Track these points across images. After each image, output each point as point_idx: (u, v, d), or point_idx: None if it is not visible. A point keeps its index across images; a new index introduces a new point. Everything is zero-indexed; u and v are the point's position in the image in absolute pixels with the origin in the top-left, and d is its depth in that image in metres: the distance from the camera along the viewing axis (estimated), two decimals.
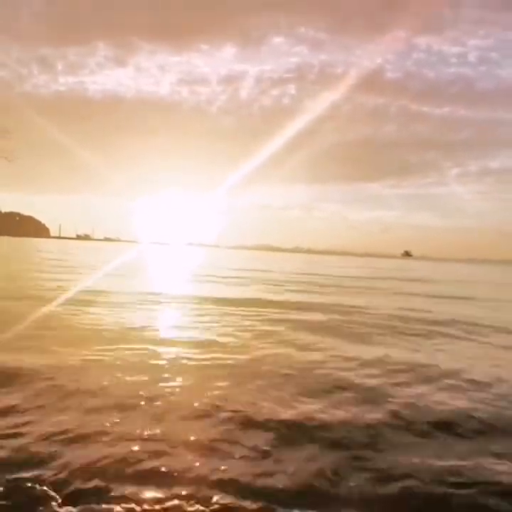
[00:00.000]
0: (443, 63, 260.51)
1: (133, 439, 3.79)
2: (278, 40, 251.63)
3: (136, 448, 3.66)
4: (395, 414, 4.61)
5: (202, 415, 4.35)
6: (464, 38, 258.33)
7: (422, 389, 5.53)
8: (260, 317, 10.50)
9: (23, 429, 3.91)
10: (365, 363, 6.62)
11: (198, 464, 3.50)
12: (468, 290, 24.80)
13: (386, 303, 15.18)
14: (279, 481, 3.30)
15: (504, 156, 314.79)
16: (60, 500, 3.04)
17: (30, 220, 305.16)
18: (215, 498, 3.09)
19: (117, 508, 3.03)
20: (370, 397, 5.12)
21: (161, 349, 6.78)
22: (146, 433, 3.95)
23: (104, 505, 3.03)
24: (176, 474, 3.34)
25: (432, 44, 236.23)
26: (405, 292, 20.33)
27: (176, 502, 3.07)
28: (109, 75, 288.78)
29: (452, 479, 3.42)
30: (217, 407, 4.54)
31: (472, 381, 5.98)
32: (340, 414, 4.54)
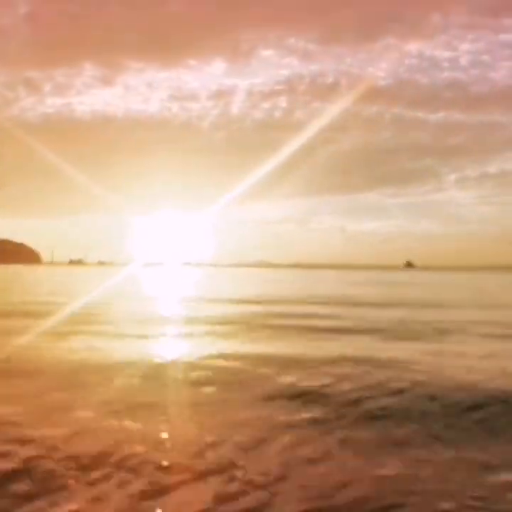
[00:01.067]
0: (435, 68, 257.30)
1: None
2: (267, 52, 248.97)
3: None
4: None
5: None
6: (455, 42, 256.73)
7: None
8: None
9: None
10: None
11: None
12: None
13: (424, 347, 9.99)
14: None
15: (502, 160, 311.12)
16: None
17: (21, 247, 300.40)
18: None
19: None
20: None
21: None
22: None
23: None
24: None
25: (423, 50, 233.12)
26: (446, 322, 15.14)
27: None
28: (97, 94, 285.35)
29: None
30: None
31: None
32: None
